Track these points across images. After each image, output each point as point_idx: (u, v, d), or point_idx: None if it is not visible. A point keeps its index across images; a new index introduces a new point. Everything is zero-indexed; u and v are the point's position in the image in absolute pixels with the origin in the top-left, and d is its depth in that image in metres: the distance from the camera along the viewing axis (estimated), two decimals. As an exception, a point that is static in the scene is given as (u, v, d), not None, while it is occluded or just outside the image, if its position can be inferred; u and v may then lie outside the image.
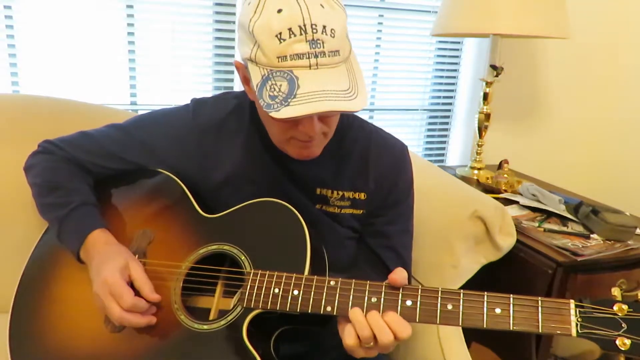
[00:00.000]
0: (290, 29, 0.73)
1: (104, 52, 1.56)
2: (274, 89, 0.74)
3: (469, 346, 1.15)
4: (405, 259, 1.03)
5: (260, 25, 0.74)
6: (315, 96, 0.72)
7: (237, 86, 1.73)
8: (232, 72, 1.73)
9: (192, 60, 1.68)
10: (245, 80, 0.88)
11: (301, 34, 0.73)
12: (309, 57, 0.74)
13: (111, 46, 1.57)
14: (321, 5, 0.75)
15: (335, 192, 0.98)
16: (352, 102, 0.74)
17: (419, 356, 1.14)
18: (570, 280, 1.27)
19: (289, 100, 0.72)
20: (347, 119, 1.01)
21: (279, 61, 0.74)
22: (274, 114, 0.72)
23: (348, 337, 0.75)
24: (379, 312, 0.74)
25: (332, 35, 0.75)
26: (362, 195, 0.99)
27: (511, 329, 0.70)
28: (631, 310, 0.67)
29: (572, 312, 0.68)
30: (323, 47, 0.74)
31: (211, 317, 0.90)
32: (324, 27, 0.74)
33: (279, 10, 0.74)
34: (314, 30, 0.73)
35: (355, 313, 0.75)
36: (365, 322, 0.73)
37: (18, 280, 0.98)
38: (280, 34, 0.73)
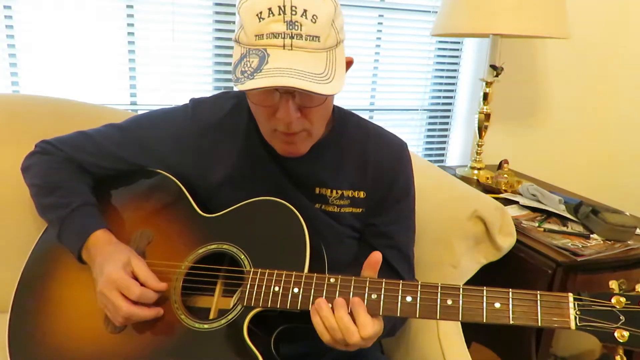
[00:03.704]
0: (270, 9, 0.74)
1: (104, 52, 1.56)
2: (246, 65, 0.75)
3: (469, 346, 1.15)
4: (410, 258, 1.04)
5: (246, 5, 0.76)
6: (279, 72, 0.73)
7: (237, 86, 1.73)
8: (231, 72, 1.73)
9: (192, 60, 1.68)
10: None
11: (279, 14, 0.74)
12: (284, 37, 0.75)
13: (111, 46, 1.57)
14: None
15: (334, 191, 0.98)
16: (321, 85, 0.74)
17: (418, 355, 1.14)
18: (570, 280, 1.27)
19: (255, 74, 0.74)
20: (345, 117, 1.01)
21: (256, 39, 0.76)
22: (238, 86, 0.75)
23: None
24: (347, 309, 0.76)
25: (314, 20, 0.76)
26: (362, 194, 0.98)
27: (510, 322, 0.70)
28: (629, 302, 0.68)
29: (571, 305, 0.69)
30: (300, 29, 0.75)
31: (211, 316, 0.90)
32: (305, 10, 0.75)
33: None
34: (293, 12, 0.75)
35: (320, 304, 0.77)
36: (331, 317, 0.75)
37: (17, 279, 0.98)
38: (260, 13, 0.75)
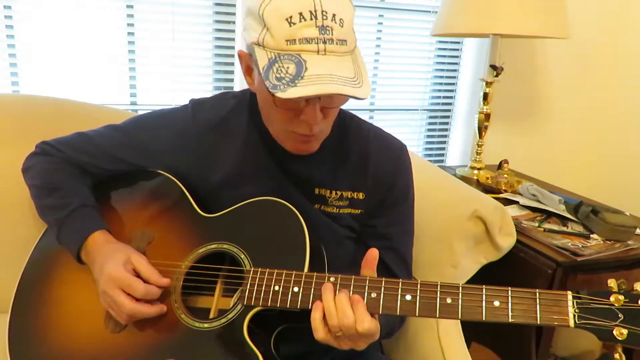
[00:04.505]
0: (300, 13, 0.74)
1: (104, 52, 1.56)
2: (281, 71, 0.74)
3: (469, 346, 1.15)
4: (407, 260, 1.03)
5: (272, 8, 0.75)
6: (322, 79, 0.73)
7: (237, 86, 1.73)
8: (232, 72, 1.73)
9: (192, 60, 1.68)
10: (248, 70, 0.88)
11: (311, 19, 0.74)
12: (317, 43, 0.75)
13: (111, 46, 1.57)
14: None
15: (333, 192, 0.98)
16: (358, 90, 0.75)
17: (418, 355, 1.14)
18: (570, 281, 1.27)
19: (296, 81, 0.73)
20: (345, 118, 1.01)
21: (287, 44, 0.75)
22: (280, 94, 0.73)
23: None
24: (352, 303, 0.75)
25: (341, 24, 0.76)
26: (361, 195, 0.98)
27: (510, 321, 0.70)
28: (627, 300, 0.68)
29: (570, 303, 0.69)
30: (332, 34, 0.75)
31: (211, 315, 0.90)
32: (334, 15, 0.76)
33: None
34: (324, 17, 0.75)
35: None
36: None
37: (17, 280, 0.98)
38: (290, 17, 0.74)
